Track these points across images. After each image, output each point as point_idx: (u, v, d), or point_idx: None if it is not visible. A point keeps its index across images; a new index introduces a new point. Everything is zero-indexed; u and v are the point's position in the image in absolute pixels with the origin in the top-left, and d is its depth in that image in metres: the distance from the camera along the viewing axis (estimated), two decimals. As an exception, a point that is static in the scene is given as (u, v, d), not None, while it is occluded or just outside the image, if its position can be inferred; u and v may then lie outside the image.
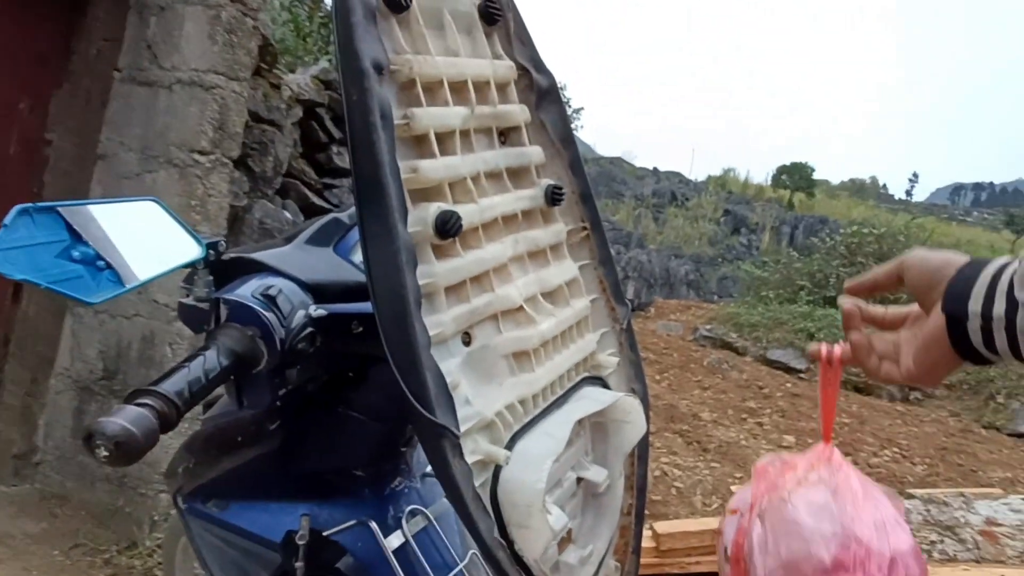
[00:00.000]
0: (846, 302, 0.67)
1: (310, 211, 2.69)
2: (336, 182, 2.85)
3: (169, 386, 0.55)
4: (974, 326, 0.52)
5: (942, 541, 1.79)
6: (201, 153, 2.08)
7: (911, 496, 2.12)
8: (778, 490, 0.72)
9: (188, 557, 1.19)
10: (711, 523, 2.05)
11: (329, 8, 4.98)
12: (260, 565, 0.82)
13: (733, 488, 2.40)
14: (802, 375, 5.36)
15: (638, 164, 26.86)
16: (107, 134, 2.18)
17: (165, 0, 2.14)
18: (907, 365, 0.60)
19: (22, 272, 0.53)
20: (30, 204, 0.57)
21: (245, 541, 0.82)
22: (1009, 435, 4.42)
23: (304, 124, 2.70)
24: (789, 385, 4.89)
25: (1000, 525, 1.92)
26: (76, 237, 0.59)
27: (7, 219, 0.55)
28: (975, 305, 0.52)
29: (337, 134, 2.86)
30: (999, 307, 0.50)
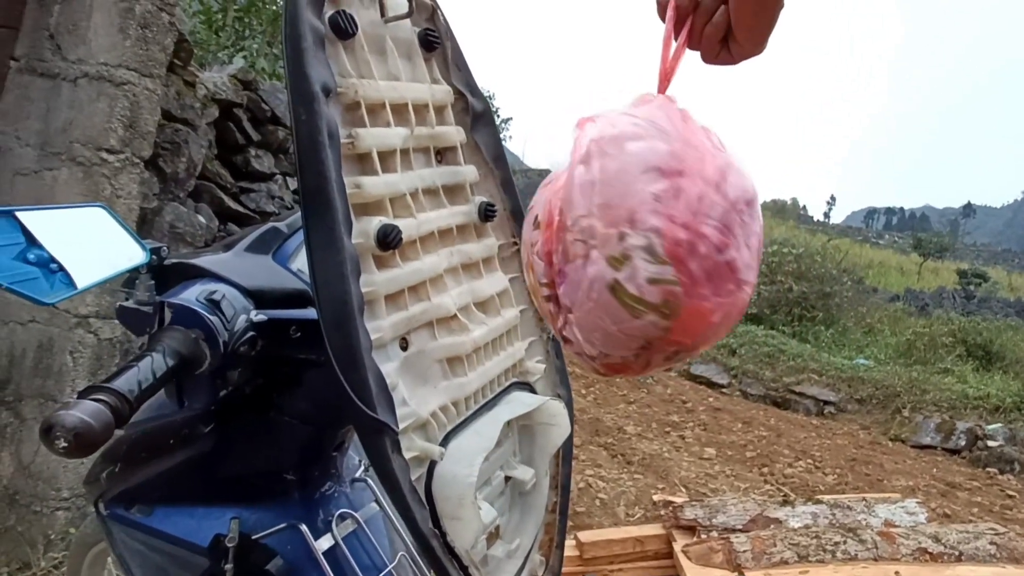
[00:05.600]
0: None
1: (226, 215, 2.66)
2: (254, 186, 2.83)
3: (121, 383, 0.60)
4: None
5: (845, 542, 2.00)
6: (109, 152, 2.04)
7: (819, 501, 2.34)
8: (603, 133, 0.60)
9: (96, 571, 1.19)
10: (634, 531, 2.19)
11: (243, 2, 4.94)
12: (186, 570, 0.86)
13: (655, 498, 2.56)
14: (724, 390, 5.69)
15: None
16: (1, 127, 2.10)
17: (69, -12, 2.10)
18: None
19: None
20: None
21: (170, 546, 0.86)
22: (913, 447, 4.86)
23: (220, 125, 2.67)
24: (711, 399, 5.20)
25: (896, 527, 2.16)
26: (31, 240, 0.64)
27: None
28: None
29: (255, 136, 2.84)
30: None
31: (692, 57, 0.64)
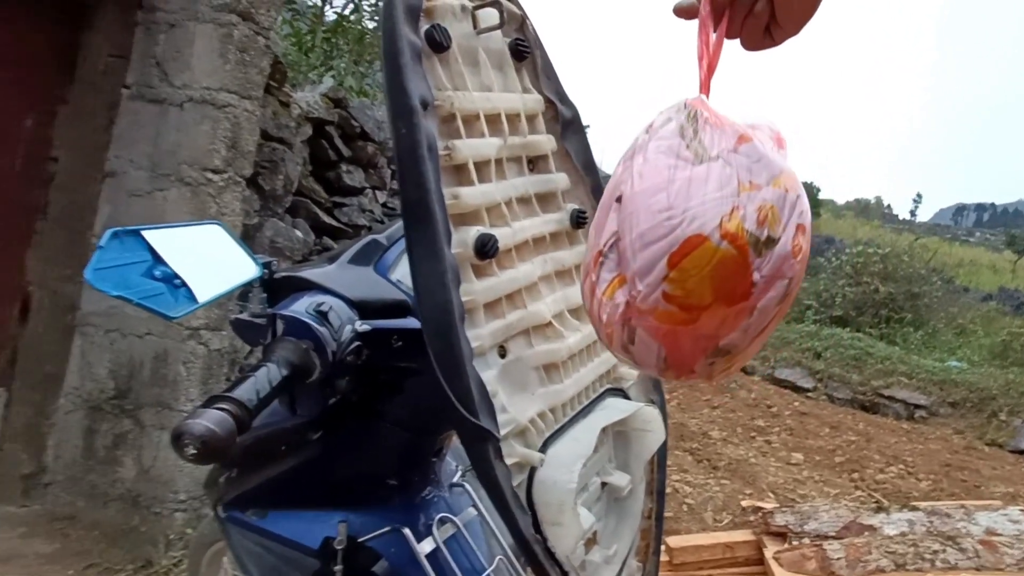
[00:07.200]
0: None
1: (320, 230, 2.75)
2: (346, 200, 2.91)
3: (241, 393, 0.62)
4: None
5: (944, 551, 1.86)
6: (214, 172, 2.14)
7: (915, 508, 2.18)
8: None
9: (213, 570, 1.24)
10: (723, 537, 2.12)
11: (330, 23, 5.13)
12: (298, 571, 0.88)
13: (744, 504, 2.47)
14: (810, 394, 5.45)
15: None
16: (115, 151, 2.23)
17: (175, 18, 2.20)
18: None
19: (116, 289, 0.61)
20: (119, 228, 0.65)
21: (283, 548, 0.88)
22: (1011, 452, 4.50)
23: (313, 142, 2.76)
24: (797, 404, 4.99)
25: (999, 535, 1.99)
26: (156, 258, 0.67)
27: (102, 241, 0.63)
28: None
29: (346, 152, 2.93)
30: None
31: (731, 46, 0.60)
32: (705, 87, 0.59)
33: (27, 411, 2.24)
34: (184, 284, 0.67)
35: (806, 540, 2.01)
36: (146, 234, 0.67)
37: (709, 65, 0.59)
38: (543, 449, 0.75)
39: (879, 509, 2.21)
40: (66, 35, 2.29)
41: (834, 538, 2.01)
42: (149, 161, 2.18)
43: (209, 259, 0.74)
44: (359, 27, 5.14)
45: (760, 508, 2.18)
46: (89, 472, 2.15)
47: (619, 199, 0.60)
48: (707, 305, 0.56)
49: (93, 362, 2.17)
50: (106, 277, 0.61)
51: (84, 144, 2.27)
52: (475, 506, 0.93)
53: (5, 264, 2.22)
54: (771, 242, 0.55)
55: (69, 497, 2.17)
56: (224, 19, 2.17)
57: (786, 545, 2.00)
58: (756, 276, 0.55)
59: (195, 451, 0.56)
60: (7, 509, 2.16)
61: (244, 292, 0.79)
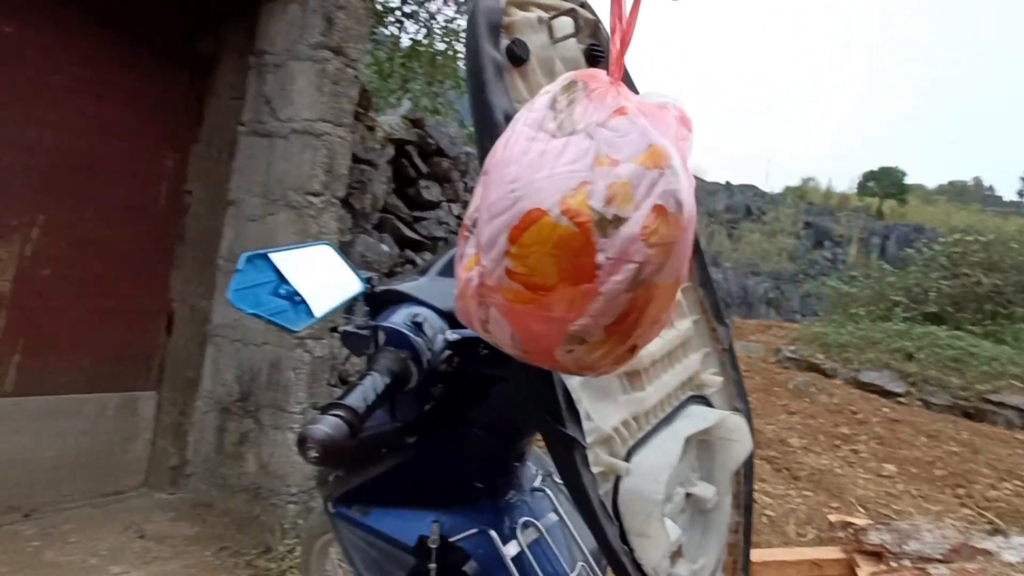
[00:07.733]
0: None
1: (404, 243, 2.86)
2: (425, 215, 3.02)
3: (353, 400, 0.66)
4: None
5: (1073, 579, 1.67)
6: (314, 195, 2.28)
7: (1034, 530, 1.99)
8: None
9: (321, 559, 1.30)
10: (809, 554, 2.00)
11: (405, 48, 5.33)
12: (397, 566, 0.91)
13: (832, 518, 2.32)
14: (901, 399, 5.02)
15: (708, 179, 25.90)
16: (236, 182, 2.45)
17: (279, 59, 2.38)
18: None
19: (251, 307, 0.67)
20: (252, 252, 0.71)
21: (384, 543, 0.91)
22: None
23: (394, 161, 2.88)
24: (886, 410, 4.62)
25: None
26: (280, 277, 0.73)
27: (239, 264, 0.70)
28: None
29: (424, 169, 3.05)
30: None
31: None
32: (618, 63, 0.55)
33: (173, 411, 2.51)
34: (303, 300, 0.73)
35: (906, 562, 1.86)
36: (272, 256, 0.74)
37: (623, 39, 0.55)
38: (627, 458, 0.74)
39: (995, 531, 2.02)
40: (196, 83, 2.57)
41: (940, 561, 1.85)
42: (262, 189, 2.37)
43: (322, 276, 0.80)
44: (431, 50, 5.34)
45: (851, 524, 2.04)
46: (221, 466, 2.36)
47: (487, 172, 0.58)
48: (552, 285, 0.52)
49: (222, 368, 2.38)
50: (244, 297, 0.68)
51: (212, 177, 2.52)
52: (556, 511, 0.93)
53: (154, 285, 2.51)
54: (618, 221, 0.51)
55: (205, 487, 2.38)
56: (320, 55, 2.32)
57: (883, 566, 1.86)
58: (600, 257, 0.51)
59: (317, 454, 0.60)
60: (160, 495, 2.43)
61: (349, 305, 0.84)
